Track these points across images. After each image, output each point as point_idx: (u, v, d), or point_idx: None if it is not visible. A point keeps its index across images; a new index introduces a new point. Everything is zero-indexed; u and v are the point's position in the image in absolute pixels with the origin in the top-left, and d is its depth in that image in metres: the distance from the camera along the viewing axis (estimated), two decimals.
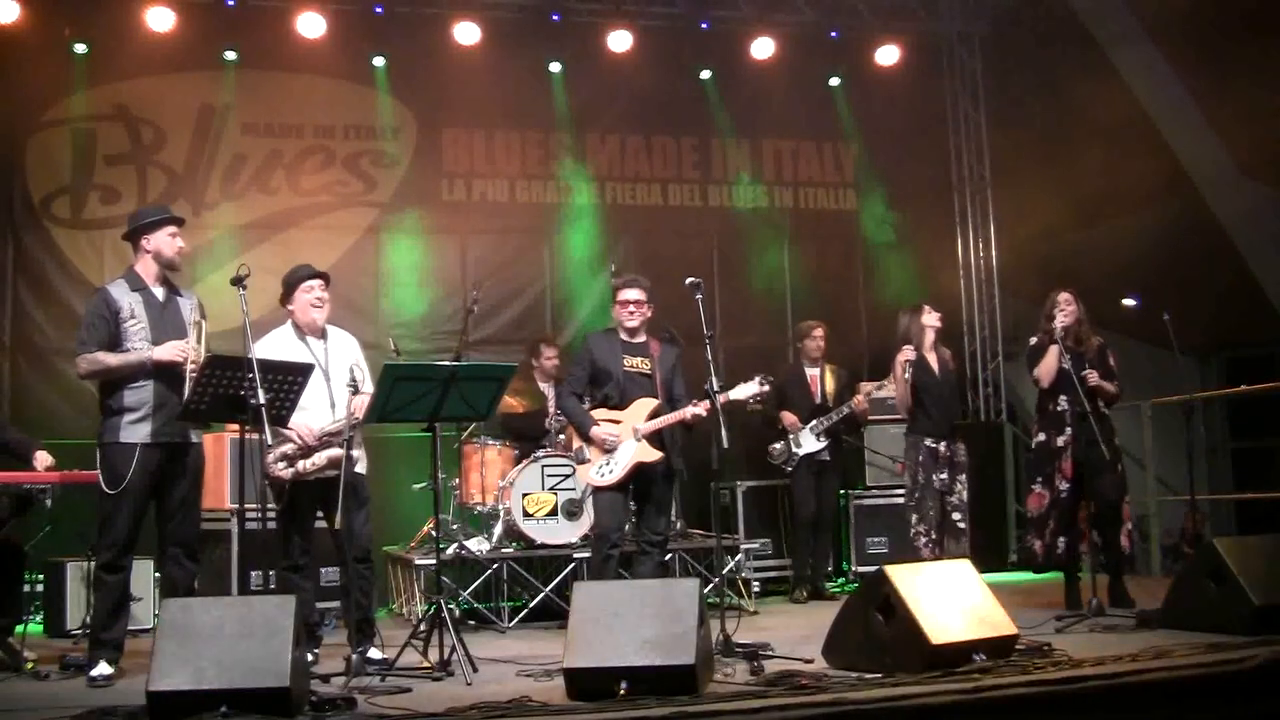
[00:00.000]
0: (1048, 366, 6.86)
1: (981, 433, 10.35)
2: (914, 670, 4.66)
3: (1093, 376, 6.78)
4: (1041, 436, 6.99)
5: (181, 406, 5.27)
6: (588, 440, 6.24)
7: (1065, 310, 6.92)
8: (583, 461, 6.29)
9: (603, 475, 6.19)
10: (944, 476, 7.04)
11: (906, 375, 7.11)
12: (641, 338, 6.38)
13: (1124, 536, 6.95)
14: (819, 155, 11.16)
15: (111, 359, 5.37)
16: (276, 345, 5.88)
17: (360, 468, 5.92)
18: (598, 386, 6.34)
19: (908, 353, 7.13)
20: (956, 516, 7.01)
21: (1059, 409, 6.85)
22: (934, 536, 7.00)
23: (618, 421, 6.24)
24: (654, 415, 6.21)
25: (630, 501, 6.43)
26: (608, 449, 6.18)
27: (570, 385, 6.42)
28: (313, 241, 9.70)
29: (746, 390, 6.15)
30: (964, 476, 7.16)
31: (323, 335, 5.97)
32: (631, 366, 6.30)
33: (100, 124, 9.42)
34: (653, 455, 6.18)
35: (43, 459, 6.14)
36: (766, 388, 6.23)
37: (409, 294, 9.82)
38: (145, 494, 5.39)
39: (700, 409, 6.08)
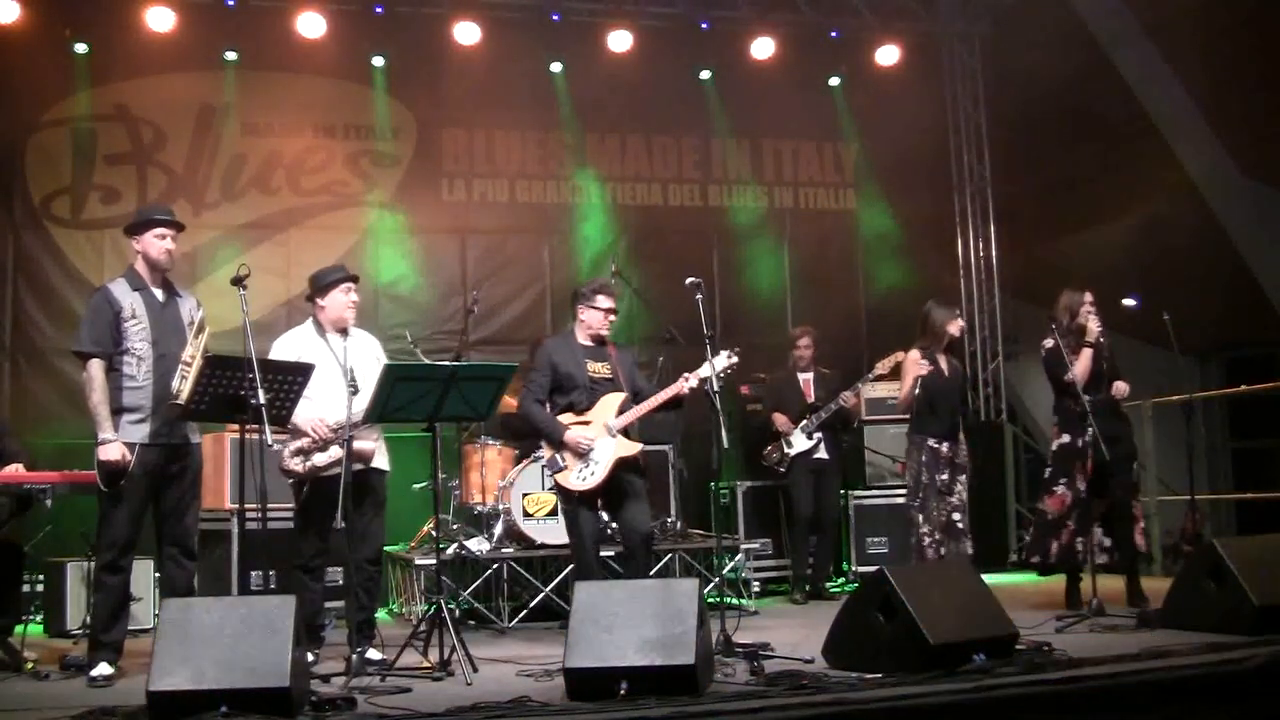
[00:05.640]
0: (1084, 370, 6.85)
1: (981, 433, 10.35)
2: (914, 670, 4.66)
3: (1124, 390, 6.90)
4: (1065, 438, 6.94)
5: (180, 407, 5.27)
6: (560, 446, 6.10)
7: (1095, 312, 6.96)
8: (559, 470, 6.10)
9: (585, 479, 6.06)
10: (944, 477, 7.01)
11: (918, 390, 7.06)
12: (600, 342, 6.31)
13: (1138, 534, 6.96)
14: (819, 155, 11.16)
15: (96, 394, 5.34)
16: (297, 342, 5.93)
17: (382, 463, 5.95)
18: (562, 394, 6.20)
19: (923, 368, 7.06)
20: (956, 517, 6.99)
21: (1082, 409, 6.83)
22: (938, 538, 6.98)
23: (587, 423, 6.13)
24: (622, 410, 6.15)
25: (601, 510, 6.36)
26: (584, 451, 6.08)
27: (533, 392, 6.22)
28: (313, 241, 9.71)
29: (720, 363, 6.00)
30: (964, 477, 7.13)
31: (344, 334, 5.98)
32: (595, 372, 6.21)
33: (100, 124, 9.42)
34: (632, 449, 6.11)
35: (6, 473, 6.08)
36: (736, 359, 6.13)
37: (409, 294, 9.82)
38: (144, 494, 5.39)
39: (693, 379, 5.96)
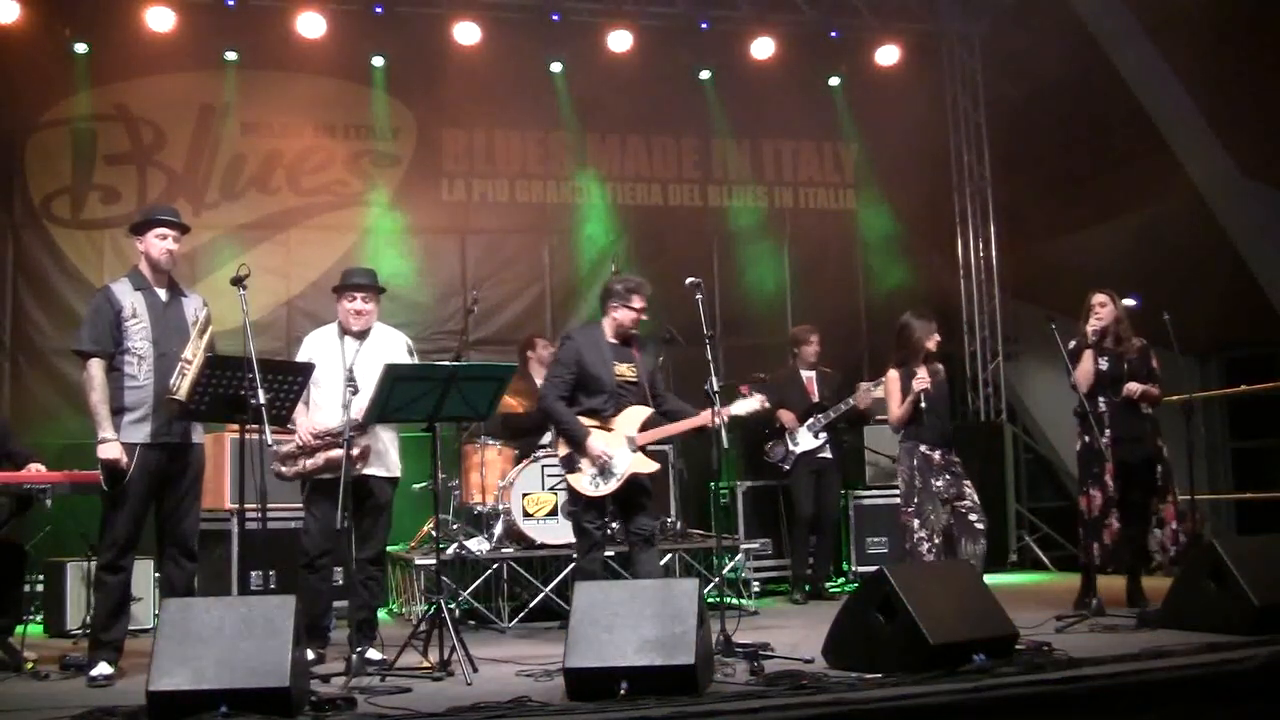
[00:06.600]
0: (1084, 372, 6.84)
1: (982, 433, 10.36)
2: (914, 670, 4.66)
3: (1134, 390, 6.82)
4: (1086, 439, 6.93)
5: (178, 403, 5.27)
6: (581, 450, 6.03)
7: (1099, 313, 6.93)
8: (574, 470, 6.06)
9: (597, 486, 6.02)
10: (941, 483, 6.96)
11: (923, 403, 6.99)
12: (626, 341, 6.27)
13: (1167, 536, 6.90)
14: (819, 155, 11.17)
15: (95, 394, 5.34)
16: (315, 343, 5.99)
17: (383, 469, 5.95)
18: (588, 395, 6.11)
19: (924, 383, 6.99)
20: (974, 518, 6.91)
21: (1099, 410, 6.81)
22: (937, 542, 6.94)
23: (609, 429, 6.08)
24: (646, 425, 6.12)
25: (610, 506, 6.33)
26: (602, 462, 6.01)
27: (556, 388, 6.12)
28: (313, 241, 9.73)
29: (746, 406, 6.09)
30: (969, 480, 7.12)
31: (361, 336, 5.96)
32: (621, 375, 6.15)
33: (100, 124, 9.44)
34: (650, 466, 6.10)
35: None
36: (767, 405, 6.23)
37: (409, 294, 9.82)
38: (145, 494, 5.39)
39: (724, 416, 5.88)
